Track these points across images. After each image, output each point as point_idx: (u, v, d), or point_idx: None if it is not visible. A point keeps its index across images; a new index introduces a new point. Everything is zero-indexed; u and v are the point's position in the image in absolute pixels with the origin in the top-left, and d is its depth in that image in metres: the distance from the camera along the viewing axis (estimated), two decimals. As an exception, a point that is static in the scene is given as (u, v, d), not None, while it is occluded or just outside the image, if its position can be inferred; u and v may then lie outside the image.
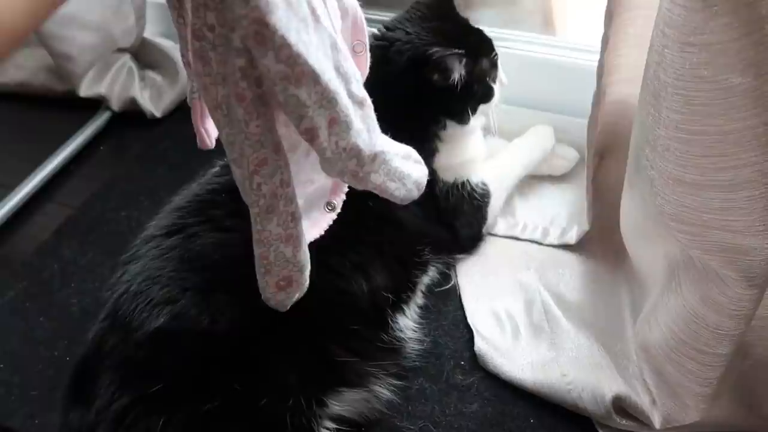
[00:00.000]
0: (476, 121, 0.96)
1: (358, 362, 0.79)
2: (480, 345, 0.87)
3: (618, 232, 0.86)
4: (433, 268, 0.94)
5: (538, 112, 1.12)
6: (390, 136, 0.58)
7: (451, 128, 0.93)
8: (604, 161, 1.03)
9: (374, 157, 0.54)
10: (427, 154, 0.91)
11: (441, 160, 0.94)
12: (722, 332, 0.64)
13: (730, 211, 0.57)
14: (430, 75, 0.87)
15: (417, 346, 0.87)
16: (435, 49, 0.84)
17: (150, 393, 0.67)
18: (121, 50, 1.35)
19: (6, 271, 1.07)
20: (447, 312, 0.93)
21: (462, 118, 0.93)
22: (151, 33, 1.39)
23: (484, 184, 0.98)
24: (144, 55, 1.39)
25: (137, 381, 0.68)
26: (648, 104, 0.61)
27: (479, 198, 0.97)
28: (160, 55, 1.37)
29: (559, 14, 1.19)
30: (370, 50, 0.66)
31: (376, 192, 0.57)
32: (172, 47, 1.36)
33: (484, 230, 1.00)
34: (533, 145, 1.06)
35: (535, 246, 1.00)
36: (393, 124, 0.61)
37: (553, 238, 1.00)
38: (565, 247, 0.99)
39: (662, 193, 0.63)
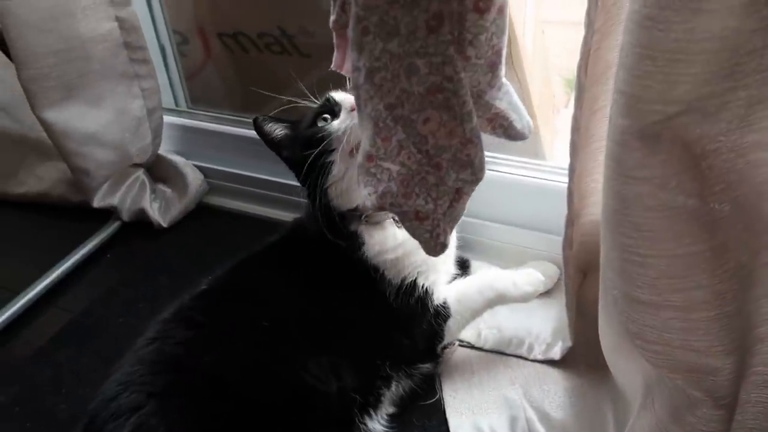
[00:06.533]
0: None
1: None
2: (463, 463, 0.85)
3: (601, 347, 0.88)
4: (396, 383, 0.92)
5: (522, 230, 1.17)
6: None
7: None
8: (587, 278, 1.06)
9: (501, 86, 0.68)
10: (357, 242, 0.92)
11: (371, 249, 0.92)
12: (696, 453, 0.64)
13: (690, 332, 0.59)
14: None
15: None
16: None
17: None
18: (136, 165, 1.44)
19: (-1, 376, 1.09)
20: (431, 427, 0.93)
21: None
22: (165, 150, 1.49)
23: (445, 303, 0.95)
24: (157, 170, 1.49)
25: None
26: (603, 227, 0.65)
27: (433, 312, 0.93)
28: (172, 170, 1.47)
29: (546, 142, 1.26)
30: None
31: (496, 119, 0.70)
32: (183, 163, 1.46)
33: (439, 348, 0.97)
34: (519, 282, 0.98)
35: (520, 360, 1.01)
36: None
37: (538, 353, 1.01)
38: (550, 362, 1.00)
39: (625, 312, 0.65)
